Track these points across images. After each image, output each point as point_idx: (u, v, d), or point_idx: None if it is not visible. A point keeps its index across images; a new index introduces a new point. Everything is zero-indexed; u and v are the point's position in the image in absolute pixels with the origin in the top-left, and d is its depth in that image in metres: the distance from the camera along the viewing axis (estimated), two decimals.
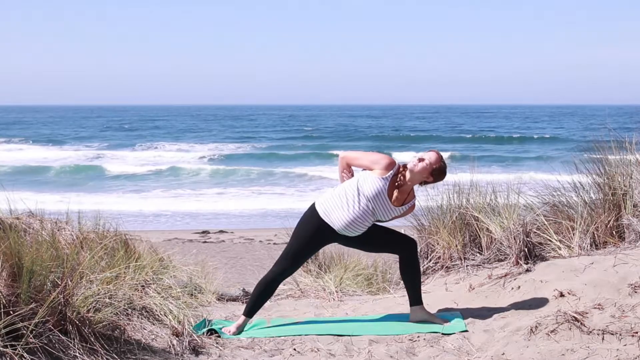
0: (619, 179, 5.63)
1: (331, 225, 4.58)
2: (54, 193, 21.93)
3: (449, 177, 6.12)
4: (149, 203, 21.44)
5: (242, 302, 5.95)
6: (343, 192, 4.60)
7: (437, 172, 4.61)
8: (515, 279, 5.09)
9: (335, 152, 38.27)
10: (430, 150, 4.67)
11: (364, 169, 4.65)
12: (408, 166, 4.58)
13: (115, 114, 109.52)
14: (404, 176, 4.59)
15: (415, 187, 4.70)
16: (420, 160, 4.56)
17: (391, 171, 4.56)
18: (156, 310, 4.57)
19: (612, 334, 3.92)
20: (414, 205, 4.72)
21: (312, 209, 4.66)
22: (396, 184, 4.58)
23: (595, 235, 5.48)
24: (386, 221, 4.72)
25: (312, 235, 4.65)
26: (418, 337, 4.42)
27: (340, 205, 4.56)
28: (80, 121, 79.37)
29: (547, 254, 5.34)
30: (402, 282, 5.11)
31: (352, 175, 4.73)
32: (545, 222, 5.58)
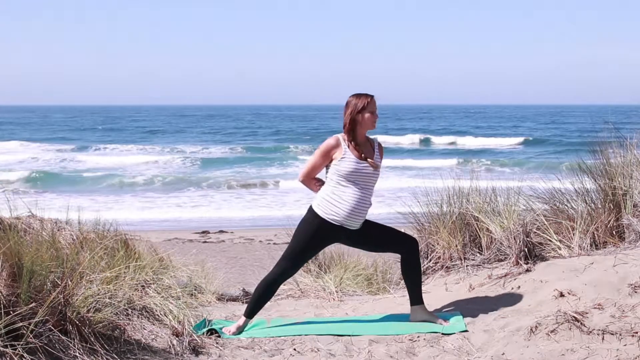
0: (619, 179, 5.63)
1: (335, 222, 4.58)
2: None
3: (449, 178, 6.17)
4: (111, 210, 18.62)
5: (242, 302, 5.96)
6: (332, 188, 4.62)
7: (371, 103, 4.62)
8: (515, 279, 5.09)
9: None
10: (371, 98, 4.63)
11: (327, 166, 4.67)
12: (368, 126, 4.61)
13: (109, 113, 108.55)
14: (354, 137, 4.61)
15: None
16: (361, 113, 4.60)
17: (342, 144, 4.60)
18: (156, 310, 4.57)
19: (612, 334, 3.92)
20: (380, 144, 4.79)
21: (312, 211, 4.67)
22: (357, 147, 4.60)
23: (595, 235, 5.48)
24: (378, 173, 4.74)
25: (313, 236, 4.65)
26: (418, 337, 4.42)
27: (336, 198, 4.58)
28: (64, 121, 78.02)
29: (547, 254, 5.34)
30: (402, 282, 5.11)
31: (322, 183, 4.75)
32: (545, 222, 5.58)
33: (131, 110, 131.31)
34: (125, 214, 17.91)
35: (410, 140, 48.43)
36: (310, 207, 4.70)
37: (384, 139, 46.16)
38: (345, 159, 4.56)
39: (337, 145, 4.60)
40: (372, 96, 4.65)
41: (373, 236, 4.73)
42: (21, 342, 3.49)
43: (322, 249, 5.01)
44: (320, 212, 4.61)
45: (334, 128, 61.11)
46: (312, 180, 4.75)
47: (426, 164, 31.39)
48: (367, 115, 4.61)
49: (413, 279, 4.77)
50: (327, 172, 4.69)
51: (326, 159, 4.63)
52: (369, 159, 4.61)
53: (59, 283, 3.81)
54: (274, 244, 13.49)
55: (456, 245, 5.85)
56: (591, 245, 5.38)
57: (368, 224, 4.74)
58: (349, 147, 4.60)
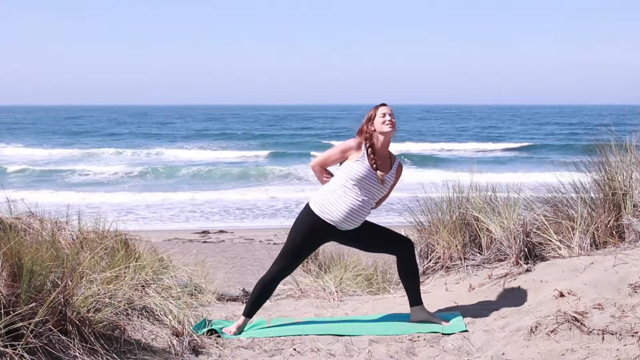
0: (619, 179, 5.63)
1: (329, 221, 4.58)
2: None
3: (449, 178, 6.18)
4: None
5: (242, 302, 5.96)
6: (334, 187, 4.63)
7: (379, 110, 4.68)
8: (515, 279, 5.09)
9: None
10: (381, 105, 4.70)
11: (341, 163, 4.69)
12: (381, 129, 4.62)
13: (101, 114, 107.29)
14: (373, 145, 4.64)
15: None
16: (391, 122, 4.62)
17: (362, 149, 4.62)
18: (156, 310, 4.57)
19: (612, 334, 3.92)
20: (401, 165, 4.80)
21: (307, 208, 4.68)
22: (373, 156, 4.62)
23: (595, 235, 5.48)
24: (387, 193, 4.72)
25: (308, 234, 4.65)
26: (418, 337, 4.42)
27: (335, 199, 4.58)
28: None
29: (547, 254, 5.34)
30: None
31: (332, 175, 4.76)
32: (545, 222, 5.58)
33: (116, 111, 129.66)
34: None
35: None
36: (307, 204, 4.71)
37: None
38: (359, 162, 4.58)
39: (357, 148, 4.62)
40: (381, 104, 4.70)
41: (368, 236, 4.73)
42: (21, 342, 3.49)
43: (318, 247, 5.00)
44: (316, 209, 4.62)
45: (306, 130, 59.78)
46: (324, 171, 4.76)
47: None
48: (376, 120, 4.64)
49: (410, 280, 4.77)
50: (339, 165, 4.70)
51: (342, 156, 4.67)
52: (379, 171, 4.61)
53: (59, 283, 3.81)
54: (274, 244, 13.50)
55: (456, 245, 5.85)
56: (591, 245, 5.38)
57: (364, 223, 4.73)
58: (367, 153, 4.61)
